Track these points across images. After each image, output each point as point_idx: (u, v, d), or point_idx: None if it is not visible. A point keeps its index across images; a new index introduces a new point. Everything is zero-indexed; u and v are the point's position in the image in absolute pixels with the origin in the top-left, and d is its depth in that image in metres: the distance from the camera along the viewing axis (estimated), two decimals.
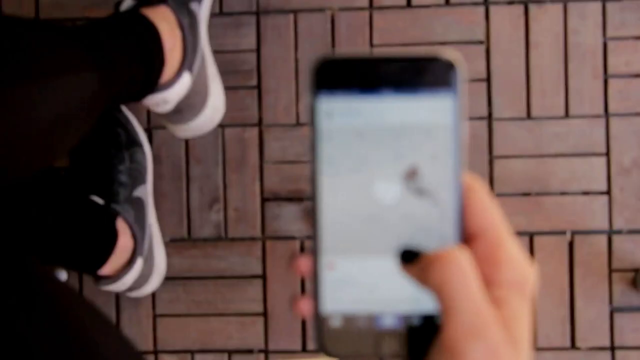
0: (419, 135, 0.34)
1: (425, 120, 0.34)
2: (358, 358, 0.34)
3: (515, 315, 0.32)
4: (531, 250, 1.04)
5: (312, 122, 0.34)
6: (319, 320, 0.35)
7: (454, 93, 0.33)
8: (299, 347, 1.06)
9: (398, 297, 0.34)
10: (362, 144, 0.34)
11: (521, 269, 0.34)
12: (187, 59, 0.87)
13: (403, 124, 0.34)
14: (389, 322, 0.34)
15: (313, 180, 0.34)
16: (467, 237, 0.34)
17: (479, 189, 0.34)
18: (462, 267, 0.32)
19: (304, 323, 1.06)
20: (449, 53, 0.33)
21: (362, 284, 0.35)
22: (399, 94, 0.33)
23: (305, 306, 0.35)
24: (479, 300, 0.32)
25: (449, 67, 0.33)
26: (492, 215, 0.34)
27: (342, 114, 0.34)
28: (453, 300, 0.32)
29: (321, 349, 0.35)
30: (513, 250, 0.34)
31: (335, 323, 0.35)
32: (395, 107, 0.34)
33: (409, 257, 0.34)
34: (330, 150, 0.34)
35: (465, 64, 0.34)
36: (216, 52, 1.02)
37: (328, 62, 0.34)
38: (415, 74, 0.33)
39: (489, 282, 0.33)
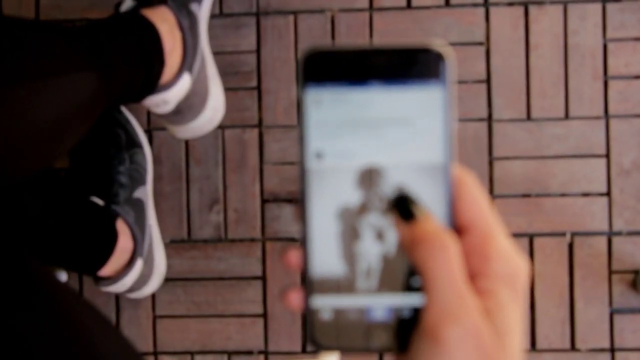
0: (408, 126, 0.34)
1: (415, 112, 0.34)
2: (349, 351, 0.35)
3: (501, 307, 0.32)
4: (531, 252, 1.04)
5: (301, 114, 0.34)
6: (310, 313, 0.35)
7: (443, 84, 0.34)
8: (298, 348, 1.06)
9: (388, 289, 0.34)
10: (351, 134, 0.34)
11: (512, 263, 0.34)
12: (187, 60, 0.87)
13: (392, 114, 0.34)
14: (379, 314, 0.34)
15: (302, 172, 0.34)
16: (457, 229, 0.34)
17: (469, 181, 0.34)
18: (448, 253, 0.32)
19: (304, 324, 1.06)
20: (438, 44, 0.34)
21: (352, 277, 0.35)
22: (389, 85, 0.34)
23: (294, 299, 0.35)
24: (461, 286, 0.32)
25: (438, 58, 0.34)
26: (482, 208, 0.34)
27: (331, 105, 0.34)
28: (435, 283, 0.32)
29: (312, 341, 0.35)
30: (504, 243, 0.34)
31: (326, 316, 0.35)
32: (385, 98, 0.34)
33: (404, 213, 0.34)
34: (319, 140, 0.34)
35: (454, 53, 0.34)
36: (216, 53, 1.02)
37: (318, 53, 0.34)
38: (405, 65, 0.34)
39: (478, 274, 0.33)
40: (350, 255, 0.34)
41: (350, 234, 0.34)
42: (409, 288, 0.34)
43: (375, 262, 0.34)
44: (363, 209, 0.34)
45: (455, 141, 0.34)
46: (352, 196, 0.34)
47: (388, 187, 0.34)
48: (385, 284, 0.34)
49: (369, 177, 0.34)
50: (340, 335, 0.34)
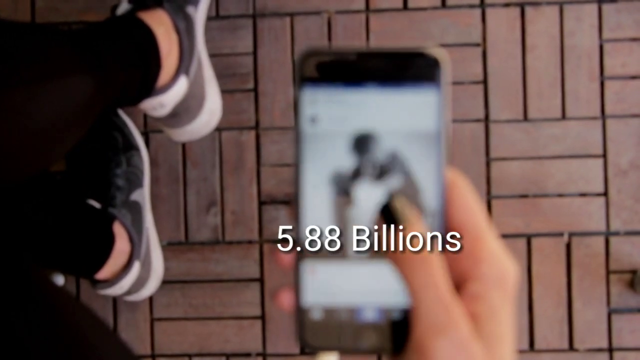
0: (402, 129, 0.34)
1: (409, 115, 0.34)
2: (339, 351, 0.35)
3: (492, 311, 0.32)
4: (529, 252, 1.04)
5: (297, 115, 0.34)
6: (300, 313, 0.35)
7: (438, 88, 0.34)
8: (296, 350, 1.06)
9: (379, 289, 0.34)
10: (346, 137, 0.34)
11: (502, 265, 0.34)
12: (184, 63, 0.87)
13: (387, 117, 0.34)
14: (369, 315, 0.34)
15: (297, 172, 0.34)
16: (449, 232, 0.34)
17: (462, 184, 0.35)
18: (431, 265, 0.32)
19: (298, 324, 1.06)
20: (433, 48, 0.34)
21: (343, 275, 0.35)
22: (384, 87, 0.34)
23: (285, 299, 0.35)
24: (446, 298, 0.32)
25: (433, 62, 0.34)
26: (474, 211, 0.34)
27: (327, 106, 0.34)
28: (420, 296, 0.32)
29: (302, 342, 0.35)
30: (494, 246, 0.34)
31: (316, 316, 0.35)
32: (380, 101, 0.34)
33: (388, 217, 0.33)
34: (314, 142, 0.34)
35: (449, 57, 0.34)
36: (213, 56, 1.02)
37: (315, 54, 0.34)
38: (400, 68, 0.34)
39: (469, 277, 0.33)
40: (342, 221, 0.34)
41: (342, 199, 0.34)
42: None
43: (367, 228, 0.34)
44: (356, 174, 0.34)
45: (450, 144, 0.34)
46: (346, 161, 0.34)
47: (382, 153, 0.34)
48: (377, 251, 0.34)
49: (362, 143, 0.34)
50: (330, 335, 0.34)
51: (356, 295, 0.34)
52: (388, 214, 0.34)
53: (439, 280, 0.32)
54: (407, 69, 0.34)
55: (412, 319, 0.32)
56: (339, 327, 0.34)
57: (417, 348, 0.32)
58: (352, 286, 0.34)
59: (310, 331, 0.35)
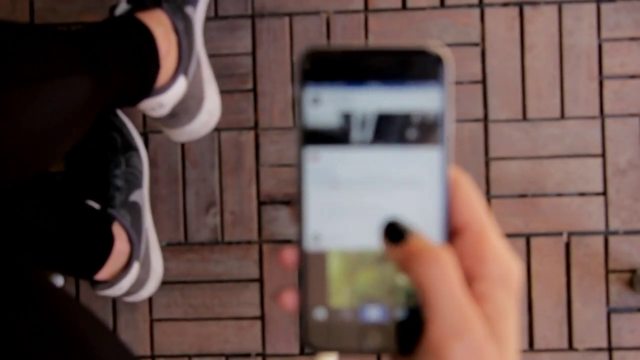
0: (405, 128, 0.34)
1: (412, 113, 0.34)
2: (343, 352, 0.34)
3: (499, 311, 0.32)
4: (528, 252, 1.04)
5: (299, 115, 0.34)
6: (304, 313, 0.34)
7: (441, 85, 0.34)
8: (296, 350, 1.06)
9: (383, 289, 0.34)
10: (348, 136, 0.34)
11: (506, 264, 0.34)
12: (183, 63, 0.87)
13: (390, 116, 0.34)
14: (374, 315, 0.34)
15: (299, 179, 0.34)
16: (452, 231, 0.34)
17: (465, 183, 0.34)
18: (445, 266, 0.32)
19: (301, 325, 1.06)
20: (435, 46, 0.34)
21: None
22: (387, 85, 0.34)
23: (288, 300, 0.35)
24: (461, 299, 0.32)
25: (436, 59, 0.34)
26: (477, 209, 0.34)
27: (329, 105, 0.34)
28: (435, 299, 0.32)
29: (306, 342, 0.34)
30: (498, 245, 0.34)
31: (320, 316, 0.34)
32: (383, 99, 0.34)
33: (394, 236, 0.34)
34: (317, 141, 0.34)
35: (452, 55, 0.34)
36: (211, 56, 1.02)
37: (316, 53, 0.34)
38: (403, 66, 0.34)
39: (473, 276, 0.33)
40: (344, 114, 0.34)
41: (344, 97, 0.34)
42: (403, 141, 0.34)
43: (371, 113, 0.34)
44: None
45: (453, 143, 0.34)
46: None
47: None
48: (380, 136, 0.34)
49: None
50: (334, 336, 0.34)
51: (359, 148, 0.34)
52: (392, 232, 0.34)
53: (453, 281, 0.32)
54: (409, 67, 0.34)
55: (425, 319, 0.32)
56: (343, 327, 0.34)
57: (433, 350, 0.31)
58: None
59: (314, 332, 0.34)
